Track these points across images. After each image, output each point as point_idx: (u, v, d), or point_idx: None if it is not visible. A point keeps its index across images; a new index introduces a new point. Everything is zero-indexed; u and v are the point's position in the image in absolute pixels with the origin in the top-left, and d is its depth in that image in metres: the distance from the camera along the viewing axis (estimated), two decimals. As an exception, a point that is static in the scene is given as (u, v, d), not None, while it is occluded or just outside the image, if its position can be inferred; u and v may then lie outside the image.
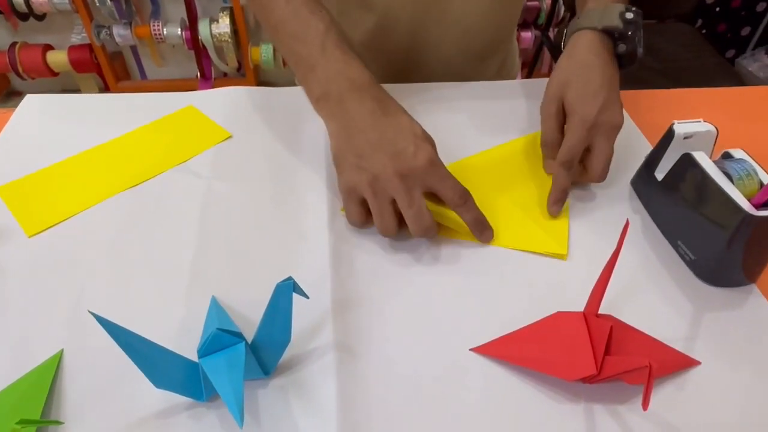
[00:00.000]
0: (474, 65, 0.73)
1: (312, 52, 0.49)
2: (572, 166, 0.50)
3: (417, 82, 0.67)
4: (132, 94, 0.67)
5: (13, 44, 1.92)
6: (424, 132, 0.47)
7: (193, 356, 0.36)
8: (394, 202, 0.45)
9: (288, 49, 0.52)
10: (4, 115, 0.63)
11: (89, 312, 0.32)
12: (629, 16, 0.53)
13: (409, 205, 0.44)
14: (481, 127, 0.62)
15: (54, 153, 0.57)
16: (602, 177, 0.51)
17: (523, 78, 0.80)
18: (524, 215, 0.51)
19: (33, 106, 0.64)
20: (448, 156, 0.58)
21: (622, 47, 0.54)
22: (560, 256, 0.48)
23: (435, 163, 0.45)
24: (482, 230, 0.48)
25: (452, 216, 0.48)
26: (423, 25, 0.68)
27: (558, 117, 0.52)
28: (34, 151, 0.58)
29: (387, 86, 0.67)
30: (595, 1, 0.57)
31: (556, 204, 0.50)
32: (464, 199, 0.46)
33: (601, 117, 0.50)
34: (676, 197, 0.48)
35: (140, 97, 0.66)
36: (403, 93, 0.66)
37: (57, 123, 0.62)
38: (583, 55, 0.53)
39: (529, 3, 1.94)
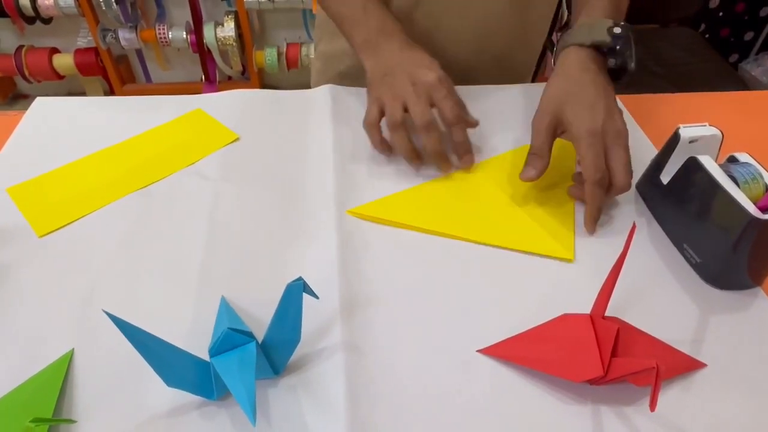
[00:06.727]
0: (491, 69, 0.74)
1: (355, 12, 0.62)
2: (605, 182, 0.49)
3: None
4: (141, 97, 0.67)
5: (20, 47, 1.93)
6: (439, 65, 0.57)
7: (203, 356, 0.37)
8: (405, 108, 0.55)
9: (334, 11, 0.64)
10: (15, 117, 0.63)
11: (103, 311, 0.32)
12: (617, 30, 0.54)
13: (416, 103, 0.54)
14: (489, 131, 0.62)
15: (63, 155, 0.58)
16: (627, 184, 0.50)
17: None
18: (532, 219, 0.52)
19: (43, 109, 0.65)
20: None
21: (611, 61, 0.54)
22: (567, 260, 0.48)
23: (443, 81, 0.55)
24: (463, 154, 0.56)
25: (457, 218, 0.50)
26: (441, 26, 0.69)
27: (550, 130, 0.52)
28: (44, 153, 0.58)
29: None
30: (586, 16, 0.57)
31: (594, 222, 0.51)
32: (457, 120, 0.55)
33: (605, 126, 0.50)
34: (682, 201, 0.48)
35: (149, 100, 0.67)
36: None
37: (67, 126, 0.62)
38: (575, 71, 0.54)
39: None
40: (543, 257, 0.48)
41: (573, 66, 0.54)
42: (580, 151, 0.49)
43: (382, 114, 0.56)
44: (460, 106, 0.56)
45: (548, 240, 0.50)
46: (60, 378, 0.39)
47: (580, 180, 0.52)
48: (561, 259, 0.48)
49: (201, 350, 0.37)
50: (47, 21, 1.90)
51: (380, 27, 0.60)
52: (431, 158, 0.55)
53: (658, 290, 0.46)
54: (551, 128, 0.52)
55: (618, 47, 0.54)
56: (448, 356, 0.41)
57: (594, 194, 0.49)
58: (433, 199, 0.54)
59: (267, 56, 1.94)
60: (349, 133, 0.61)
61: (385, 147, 0.57)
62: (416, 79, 0.55)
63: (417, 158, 0.56)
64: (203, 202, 0.53)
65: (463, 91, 0.68)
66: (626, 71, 0.55)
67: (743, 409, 0.38)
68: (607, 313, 0.40)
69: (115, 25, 1.88)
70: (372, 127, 0.57)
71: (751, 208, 0.42)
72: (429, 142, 0.54)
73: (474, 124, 0.58)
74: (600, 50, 0.55)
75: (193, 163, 0.58)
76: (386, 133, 0.57)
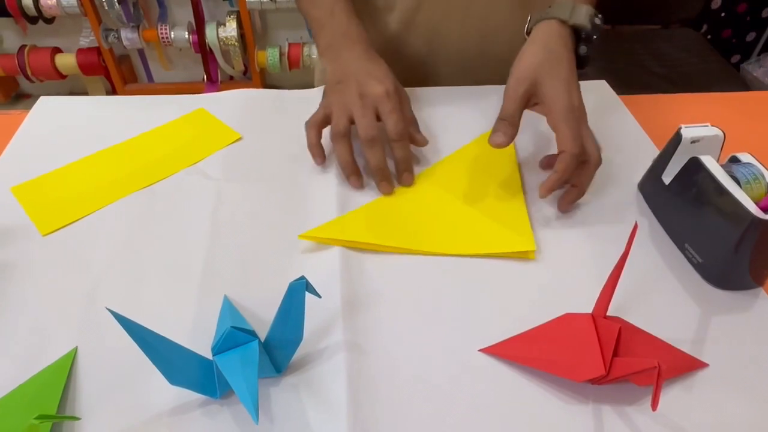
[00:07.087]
0: (494, 69, 0.74)
1: (323, 16, 0.61)
2: (583, 157, 0.49)
3: (435, 86, 0.68)
4: (144, 96, 0.68)
5: (23, 47, 1.93)
6: (395, 79, 0.56)
7: (206, 355, 0.37)
8: (351, 119, 0.54)
9: (306, 12, 0.64)
10: (18, 117, 0.64)
11: (107, 309, 0.32)
12: (597, 21, 0.54)
13: (363, 115, 0.53)
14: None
15: (67, 154, 0.58)
16: (600, 158, 0.50)
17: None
18: (485, 217, 0.51)
19: (47, 107, 0.65)
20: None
21: (583, 49, 0.54)
22: (528, 254, 0.48)
23: (390, 96, 0.53)
24: (402, 171, 0.55)
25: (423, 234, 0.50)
26: (442, 28, 0.69)
27: (524, 98, 0.51)
28: (48, 152, 0.58)
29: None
30: None
31: (550, 191, 0.50)
32: (399, 137, 0.53)
33: (580, 104, 0.51)
34: (684, 200, 0.49)
35: (152, 100, 0.67)
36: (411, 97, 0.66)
37: (70, 124, 0.63)
38: (556, 44, 0.53)
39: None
40: (542, 256, 0.49)
41: (554, 39, 0.53)
42: (559, 125, 0.49)
43: (327, 120, 0.55)
44: (408, 121, 0.55)
45: (507, 235, 0.49)
46: (64, 376, 0.39)
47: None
48: (522, 256, 0.48)
49: (204, 349, 0.37)
50: (50, 21, 1.91)
51: (344, 32, 0.60)
52: (372, 174, 0.54)
53: (659, 290, 0.46)
54: (526, 97, 0.51)
55: (594, 37, 0.54)
56: (450, 355, 0.41)
57: (569, 166, 0.48)
58: (387, 214, 0.52)
59: (269, 56, 1.94)
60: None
61: (316, 151, 0.56)
62: (364, 90, 0.54)
63: (354, 174, 0.54)
64: (206, 201, 0.53)
65: (466, 91, 0.68)
66: (585, 64, 0.55)
67: (745, 409, 0.39)
68: (609, 313, 0.40)
69: (118, 24, 1.88)
70: (312, 127, 0.56)
71: (753, 208, 0.42)
72: (372, 158, 0.53)
73: (421, 142, 0.57)
74: (576, 34, 0.54)
75: (196, 163, 0.58)
76: (326, 142, 0.56)
